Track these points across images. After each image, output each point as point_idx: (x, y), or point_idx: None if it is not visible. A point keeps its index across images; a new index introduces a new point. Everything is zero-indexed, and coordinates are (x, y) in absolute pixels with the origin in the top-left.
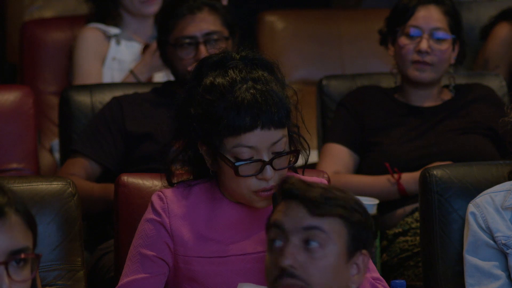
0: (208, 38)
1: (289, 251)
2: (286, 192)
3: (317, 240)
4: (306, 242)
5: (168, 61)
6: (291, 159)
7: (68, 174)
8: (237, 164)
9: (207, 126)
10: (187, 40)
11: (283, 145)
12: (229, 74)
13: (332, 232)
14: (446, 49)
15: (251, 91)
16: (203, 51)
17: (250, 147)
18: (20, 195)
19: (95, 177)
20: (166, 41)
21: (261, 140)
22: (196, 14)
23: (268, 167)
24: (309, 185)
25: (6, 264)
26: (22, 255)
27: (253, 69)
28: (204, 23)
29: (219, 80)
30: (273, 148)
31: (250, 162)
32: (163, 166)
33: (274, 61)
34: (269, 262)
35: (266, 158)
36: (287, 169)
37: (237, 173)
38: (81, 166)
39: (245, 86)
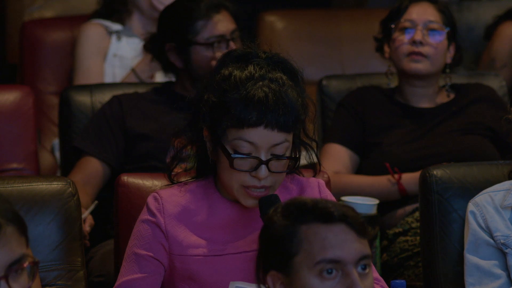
0: (233, 36)
1: (356, 280)
2: (330, 215)
3: (367, 264)
4: (362, 268)
5: (188, 61)
6: (289, 164)
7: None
8: (233, 155)
9: (215, 113)
10: (219, 39)
11: (284, 149)
12: (248, 68)
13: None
14: (441, 41)
15: (265, 89)
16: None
17: (250, 142)
18: (20, 195)
19: (104, 177)
20: (191, 42)
21: (262, 139)
22: (221, 13)
23: (263, 167)
24: (342, 206)
25: (6, 277)
26: (22, 265)
27: (274, 70)
28: (228, 22)
29: (237, 72)
30: (273, 149)
31: (247, 158)
32: (166, 161)
33: (299, 69)
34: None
35: (263, 158)
36: (284, 174)
37: (231, 165)
38: (91, 168)
39: (260, 83)
